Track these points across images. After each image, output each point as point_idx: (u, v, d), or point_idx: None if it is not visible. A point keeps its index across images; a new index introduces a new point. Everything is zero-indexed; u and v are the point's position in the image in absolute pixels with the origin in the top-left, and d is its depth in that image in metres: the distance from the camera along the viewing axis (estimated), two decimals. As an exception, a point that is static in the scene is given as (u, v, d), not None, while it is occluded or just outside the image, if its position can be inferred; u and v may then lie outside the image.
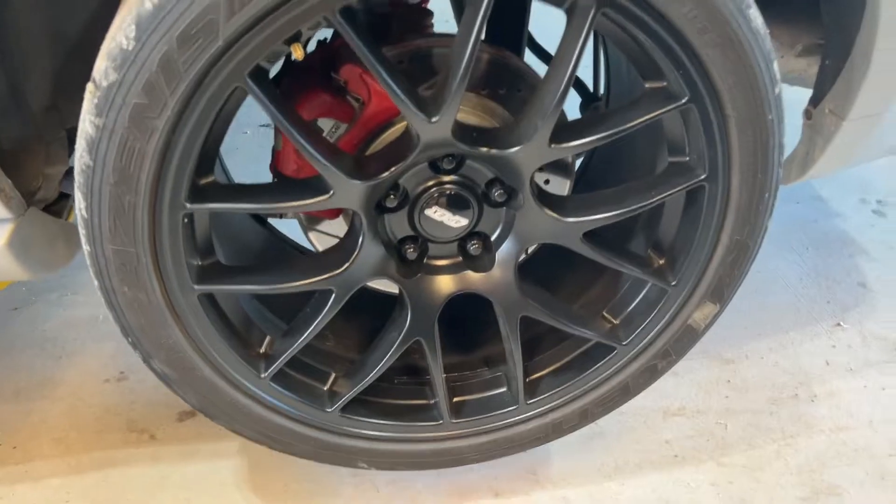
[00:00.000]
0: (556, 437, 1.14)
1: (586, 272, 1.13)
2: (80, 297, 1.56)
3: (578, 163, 1.32)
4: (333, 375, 1.06)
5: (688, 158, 0.93)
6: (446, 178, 0.95)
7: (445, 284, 1.02)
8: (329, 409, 1.03)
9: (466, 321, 1.15)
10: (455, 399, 1.09)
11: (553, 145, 0.88)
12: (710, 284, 1.01)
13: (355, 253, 0.94)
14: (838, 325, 1.58)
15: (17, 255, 0.94)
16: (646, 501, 1.20)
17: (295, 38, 0.77)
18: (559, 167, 1.04)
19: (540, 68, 1.02)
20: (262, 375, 0.98)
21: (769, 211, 0.97)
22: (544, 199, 0.96)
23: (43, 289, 1.58)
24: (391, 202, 0.94)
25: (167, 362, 0.93)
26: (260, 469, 1.23)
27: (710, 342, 1.35)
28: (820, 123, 1.05)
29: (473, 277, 1.02)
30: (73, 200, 1.13)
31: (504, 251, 1.00)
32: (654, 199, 0.94)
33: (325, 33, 1.00)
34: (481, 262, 1.01)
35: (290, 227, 1.20)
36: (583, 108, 1.46)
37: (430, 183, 0.95)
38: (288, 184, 0.96)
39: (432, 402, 1.08)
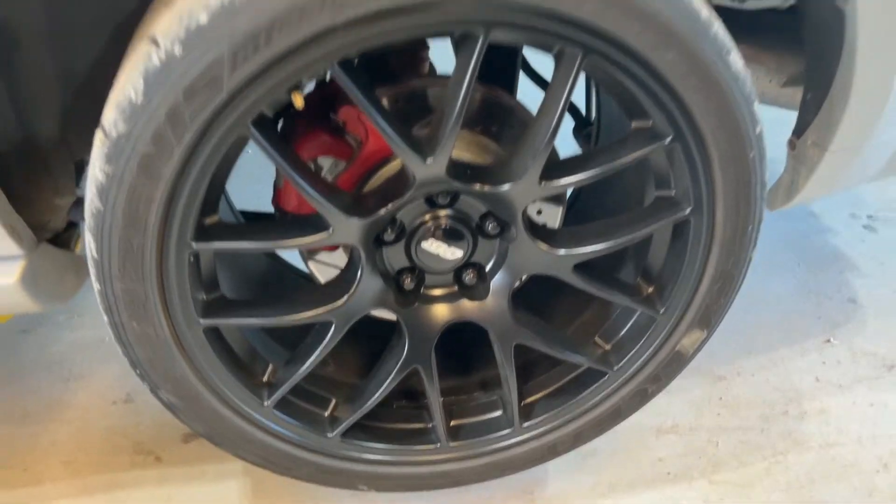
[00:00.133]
0: (551, 457, 1.18)
1: (578, 297, 1.16)
2: (86, 320, 1.60)
3: (569, 191, 1.36)
4: (334, 401, 1.09)
5: (674, 193, 0.96)
6: (442, 212, 0.98)
7: (442, 313, 1.06)
8: (330, 435, 1.06)
9: (463, 345, 1.19)
10: (452, 422, 1.13)
11: (544, 183, 0.91)
12: (697, 312, 1.05)
13: (354, 285, 0.97)
14: (828, 341, 1.61)
15: (30, 290, 0.98)
16: (639, 519, 1.24)
17: (296, 87, 0.81)
18: (551, 196, 1.07)
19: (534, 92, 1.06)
20: (266, 403, 1.02)
21: (753, 242, 1.00)
22: (536, 231, 0.99)
23: (50, 312, 1.61)
24: (389, 236, 0.98)
25: (174, 393, 0.97)
26: (263, 489, 1.26)
27: (703, 359, 1.37)
28: (803, 154, 1.08)
29: (469, 306, 1.06)
30: (81, 230, 1.18)
31: (498, 281, 1.04)
32: (642, 233, 0.98)
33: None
34: (476, 291, 1.04)
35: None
36: (576, 132, 1.50)
37: (426, 217, 0.98)
38: (289, 222, 1.00)
39: (430, 425, 1.11)
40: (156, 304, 0.88)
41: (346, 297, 0.97)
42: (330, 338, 0.98)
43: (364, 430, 1.10)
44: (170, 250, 0.85)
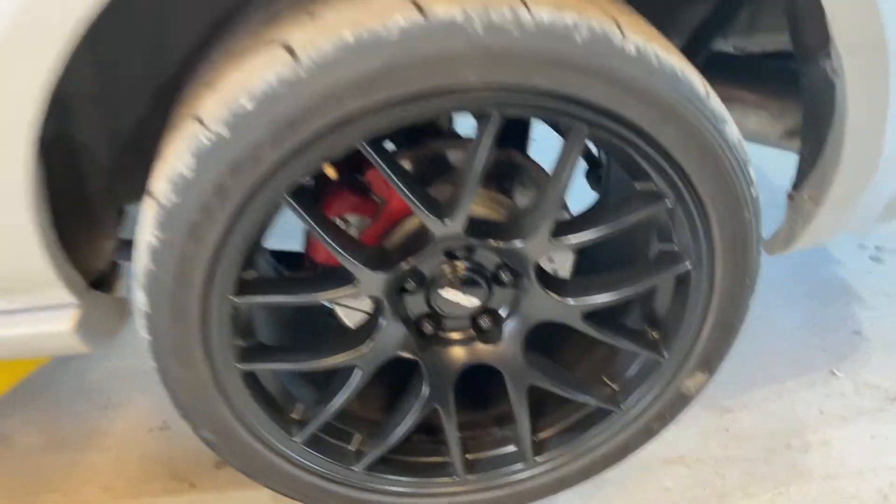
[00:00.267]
0: (562, 489, 1.25)
1: (587, 338, 1.23)
2: (124, 350, 1.68)
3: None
4: (359, 436, 1.17)
5: (676, 248, 1.03)
6: (459, 264, 1.06)
7: (459, 356, 1.13)
8: (355, 468, 1.14)
9: (479, 381, 1.26)
10: (468, 456, 1.20)
11: (553, 240, 0.99)
12: (699, 356, 1.12)
13: (378, 333, 1.05)
14: (833, 373, 1.67)
15: (82, 335, 1.07)
16: (646, 549, 1.30)
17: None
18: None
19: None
20: (296, 439, 1.10)
21: (751, 292, 1.07)
22: (548, 282, 1.07)
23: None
24: (410, 285, 1.06)
25: (213, 431, 1.05)
26: (291, 516, 1.34)
27: (711, 391, 1.42)
28: (800, 207, 1.15)
29: (484, 349, 1.13)
30: (122, 270, 1.27)
31: (512, 326, 1.12)
32: (647, 285, 1.05)
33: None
34: (491, 335, 1.12)
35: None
36: (588, 174, 1.58)
37: (445, 267, 1.06)
38: (319, 277, 1.08)
39: (448, 459, 1.19)
40: (199, 352, 0.97)
41: (370, 344, 1.05)
42: (357, 381, 1.07)
43: (387, 462, 1.17)
44: (213, 304, 0.94)
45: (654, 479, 1.42)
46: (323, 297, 1.00)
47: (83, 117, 1.12)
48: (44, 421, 1.53)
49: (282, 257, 1.27)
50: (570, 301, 1.06)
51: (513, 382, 1.13)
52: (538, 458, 1.19)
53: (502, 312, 1.12)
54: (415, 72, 0.81)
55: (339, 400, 1.07)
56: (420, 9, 0.80)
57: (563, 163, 0.93)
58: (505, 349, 1.12)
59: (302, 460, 1.12)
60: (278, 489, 1.15)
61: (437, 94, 0.83)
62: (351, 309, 1.16)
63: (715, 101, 0.91)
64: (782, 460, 1.46)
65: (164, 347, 0.96)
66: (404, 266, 1.01)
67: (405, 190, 0.91)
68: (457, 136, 1.10)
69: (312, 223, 0.92)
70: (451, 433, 1.15)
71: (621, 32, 0.84)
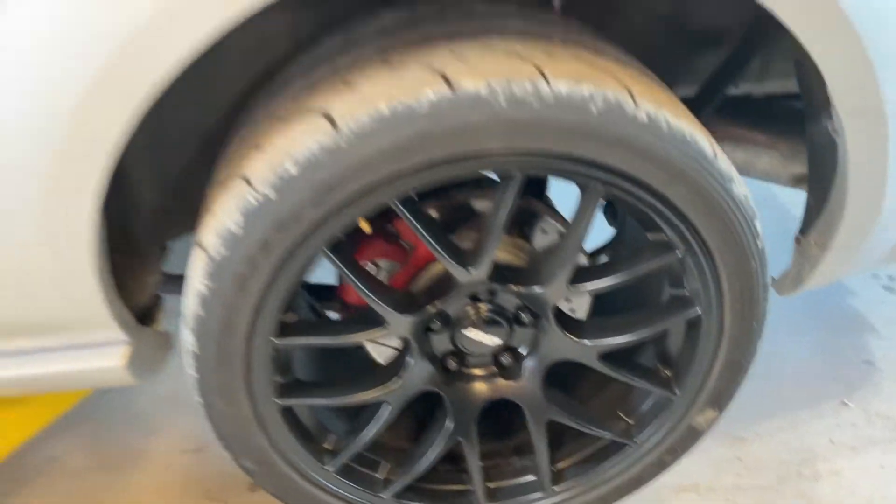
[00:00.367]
0: (579, 517, 1.31)
1: (603, 374, 1.30)
2: (163, 376, 1.76)
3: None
4: (387, 465, 1.24)
5: (687, 293, 1.10)
6: (482, 306, 1.13)
7: (481, 391, 1.20)
8: (384, 496, 1.21)
9: (500, 412, 1.33)
10: (490, 485, 1.27)
11: (571, 286, 1.06)
12: (710, 394, 1.18)
13: (405, 370, 1.13)
14: (844, 403, 1.71)
15: (132, 370, 1.15)
16: (659, 575, 1.36)
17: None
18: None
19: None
20: (328, 468, 1.17)
21: (759, 335, 1.13)
22: (565, 323, 1.14)
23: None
24: (436, 325, 1.13)
25: (252, 461, 1.13)
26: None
27: (724, 420, 1.49)
28: (807, 251, 1.21)
29: (505, 385, 1.20)
30: (163, 301, 1.35)
31: (531, 364, 1.18)
32: (659, 328, 1.12)
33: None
34: (512, 372, 1.19)
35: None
36: (606, 210, 1.64)
37: (469, 309, 1.13)
38: (353, 320, 1.16)
39: (470, 487, 1.25)
40: (241, 389, 1.05)
41: (398, 381, 1.12)
42: (386, 415, 1.14)
43: (413, 490, 1.24)
44: (255, 346, 1.01)
45: (668, 506, 1.47)
46: (357, 339, 1.08)
47: (134, 164, 1.21)
48: (90, 443, 1.62)
49: (315, 290, 1.35)
50: (587, 342, 1.13)
51: (532, 416, 1.20)
52: (556, 488, 1.26)
53: (522, 351, 1.19)
54: (443, 140, 0.88)
55: (370, 432, 1.14)
56: (449, 83, 0.88)
57: (580, 217, 1.00)
58: (525, 385, 1.19)
59: (333, 488, 1.19)
60: (311, 514, 1.23)
61: (464, 160, 0.90)
62: (381, 346, 1.24)
63: (722, 162, 0.98)
64: (793, 489, 1.51)
65: (210, 385, 1.04)
66: (431, 309, 1.08)
67: (433, 243, 0.99)
68: (480, 185, 1.17)
69: (348, 273, 1.00)
70: (474, 463, 1.22)
71: (634, 101, 0.91)
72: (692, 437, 1.22)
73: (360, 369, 1.21)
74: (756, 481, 1.53)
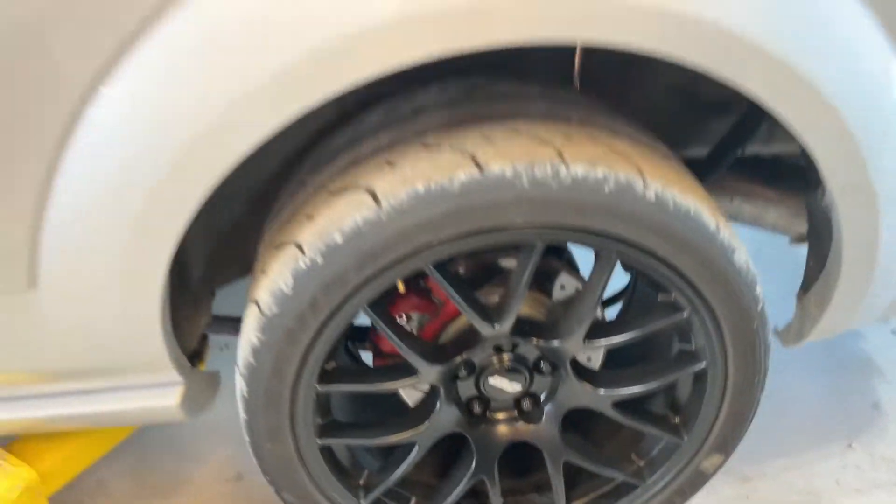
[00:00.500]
0: (593, 552, 1.40)
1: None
2: (203, 406, 1.90)
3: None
4: (415, 499, 1.34)
5: (694, 348, 1.20)
6: (505, 356, 1.24)
7: (503, 433, 1.31)
8: (412, 529, 1.32)
9: (521, 452, 1.43)
10: (511, 520, 1.37)
11: (587, 342, 1.17)
12: (716, 440, 1.27)
13: (434, 413, 1.23)
14: (850, 445, 1.78)
15: (185, 408, 1.27)
16: None
17: (399, 276, 1.09)
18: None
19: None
20: (362, 502, 1.28)
21: (761, 387, 1.22)
22: (581, 373, 1.24)
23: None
24: (462, 373, 1.24)
25: (293, 494, 1.24)
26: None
27: (733, 459, 1.57)
28: (807, 308, 1.30)
29: (525, 429, 1.30)
30: (210, 341, 1.47)
31: (550, 409, 1.29)
32: (669, 379, 1.21)
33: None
34: (532, 416, 1.29)
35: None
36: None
37: (493, 358, 1.24)
38: (387, 368, 1.27)
39: (492, 523, 1.35)
40: (286, 430, 1.16)
41: (427, 424, 1.23)
42: (416, 453, 1.25)
43: (438, 523, 1.35)
44: (300, 392, 1.13)
45: (678, 543, 1.55)
46: (392, 387, 1.19)
47: (193, 219, 1.33)
48: (135, 470, 1.73)
49: (349, 332, 1.46)
50: (602, 391, 1.23)
51: (550, 458, 1.29)
52: (573, 525, 1.35)
53: (542, 397, 1.29)
54: (472, 215, 1.00)
55: (401, 470, 1.25)
56: (478, 165, 0.99)
57: (596, 281, 1.11)
58: (544, 429, 1.29)
59: (367, 520, 1.30)
60: (345, 544, 1.33)
61: (490, 232, 1.02)
62: (410, 389, 1.35)
63: (724, 234, 1.08)
64: (798, 529, 1.59)
65: (258, 425, 1.16)
66: (458, 359, 1.19)
67: (462, 302, 1.10)
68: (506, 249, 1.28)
69: (386, 328, 1.11)
70: (496, 499, 1.31)
71: (644, 182, 1.02)
72: (700, 479, 1.31)
73: (391, 410, 1.32)
74: (763, 521, 1.60)
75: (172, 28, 0.86)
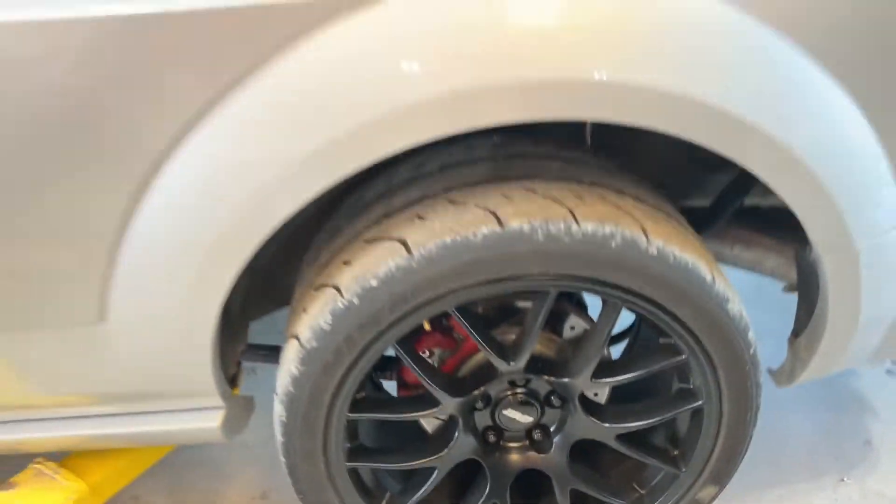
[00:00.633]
0: (597, 574, 1.50)
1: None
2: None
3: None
4: (432, 521, 1.46)
5: (692, 387, 1.31)
6: (519, 389, 1.36)
7: (516, 461, 1.42)
8: (429, 549, 1.43)
9: (530, 478, 1.54)
10: (521, 542, 1.48)
11: (594, 379, 1.28)
12: (711, 472, 1.38)
13: (453, 441, 1.35)
14: (842, 479, 1.87)
15: (225, 430, 1.39)
16: None
17: (425, 316, 1.21)
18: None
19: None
20: (384, 522, 1.39)
21: (753, 423, 1.34)
22: (588, 408, 1.35)
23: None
24: (479, 405, 1.36)
25: (322, 512, 1.36)
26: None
27: (728, 490, 1.68)
28: (798, 351, 1.41)
29: (536, 457, 1.41)
30: (243, 367, 1.59)
31: (559, 440, 1.40)
32: (669, 415, 1.33)
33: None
34: (542, 446, 1.40)
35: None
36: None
37: (507, 392, 1.36)
38: (412, 399, 1.39)
39: (503, 543, 1.46)
40: (319, 453, 1.28)
41: (446, 450, 1.35)
42: (435, 477, 1.36)
43: (453, 543, 1.46)
44: (333, 418, 1.25)
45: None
46: (416, 416, 1.31)
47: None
48: (168, 486, 1.85)
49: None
50: (607, 425, 1.34)
51: (558, 485, 1.41)
52: (579, 548, 1.46)
53: (552, 428, 1.40)
54: (493, 265, 1.12)
55: (421, 492, 1.36)
56: (499, 221, 1.12)
57: (603, 325, 1.23)
58: (553, 458, 1.40)
59: (388, 539, 1.41)
60: (367, 560, 1.44)
61: (509, 280, 1.14)
62: (431, 419, 1.46)
63: (720, 285, 1.20)
64: (791, 559, 1.68)
65: (294, 448, 1.28)
66: (476, 393, 1.31)
67: (482, 341, 1.23)
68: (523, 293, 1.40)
69: (413, 364, 1.24)
70: (507, 523, 1.43)
71: (647, 238, 1.14)
72: (696, 508, 1.42)
73: (410, 436, 1.43)
74: (758, 550, 1.70)
75: (239, 105, 1.00)
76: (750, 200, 1.74)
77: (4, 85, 0.99)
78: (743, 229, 1.74)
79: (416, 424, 1.42)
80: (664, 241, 1.16)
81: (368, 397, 1.31)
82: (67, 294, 1.12)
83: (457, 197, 1.18)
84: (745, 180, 1.61)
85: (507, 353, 1.26)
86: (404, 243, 1.14)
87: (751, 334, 1.25)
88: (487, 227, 1.12)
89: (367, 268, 1.15)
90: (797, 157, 1.10)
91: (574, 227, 1.12)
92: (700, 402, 1.30)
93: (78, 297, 1.13)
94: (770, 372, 1.53)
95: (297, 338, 1.22)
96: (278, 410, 1.27)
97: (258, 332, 1.62)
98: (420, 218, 1.17)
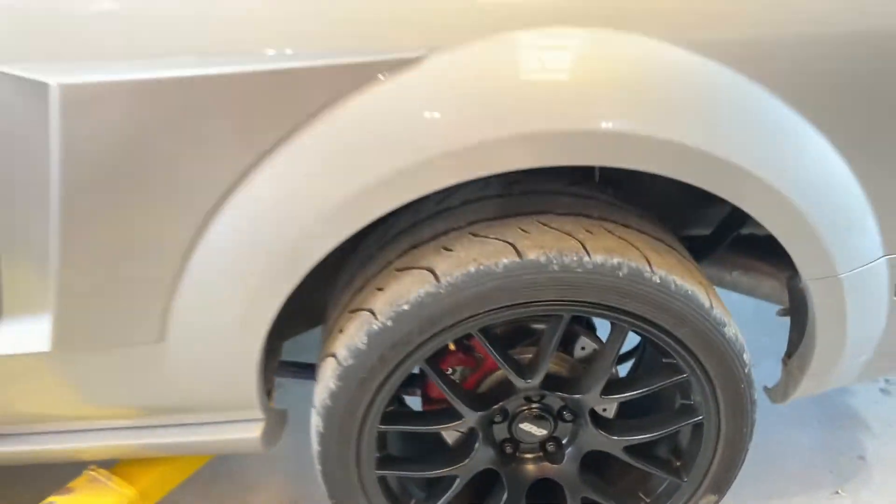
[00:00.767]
0: (606, 579, 1.62)
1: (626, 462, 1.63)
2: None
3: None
4: (452, 526, 1.57)
5: (693, 403, 1.44)
6: (534, 405, 1.48)
7: (531, 471, 1.54)
8: (451, 557, 1.55)
9: (544, 487, 1.66)
10: (536, 553, 1.59)
11: (603, 396, 1.41)
12: (711, 481, 1.50)
13: (473, 452, 1.47)
14: (837, 493, 1.98)
15: (263, 441, 1.51)
16: None
17: (450, 337, 1.34)
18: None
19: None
20: (409, 528, 1.51)
21: (750, 436, 1.46)
22: (598, 422, 1.48)
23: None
24: (497, 418, 1.49)
25: (354, 517, 1.48)
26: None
27: (731, 501, 1.79)
28: (790, 372, 1.54)
29: (549, 467, 1.54)
30: (276, 383, 1.72)
31: (571, 451, 1.52)
32: (672, 429, 1.45)
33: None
34: (555, 457, 1.53)
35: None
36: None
37: (523, 407, 1.48)
38: (438, 412, 1.51)
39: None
40: (352, 461, 1.40)
41: (467, 460, 1.47)
42: (457, 485, 1.48)
43: (471, 547, 1.57)
44: (366, 429, 1.37)
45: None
46: (442, 428, 1.44)
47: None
48: (201, 495, 1.97)
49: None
50: (615, 437, 1.47)
51: (570, 493, 1.53)
52: (590, 556, 1.58)
53: (564, 441, 1.53)
54: (512, 292, 1.25)
55: (444, 499, 1.49)
56: (518, 253, 1.25)
57: (611, 347, 1.36)
58: (565, 468, 1.52)
59: (413, 546, 1.53)
60: (393, 562, 1.56)
61: (526, 305, 1.27)
62: (453, 431, 1.59)
63: (717, 310, 1.32)
64: (788, 567, 1.79)
65: (330, 456, 1.40)
66: (495, 408, 1.44)
67: (501, 361, 1.35)
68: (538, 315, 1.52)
69: (439, 381, 1.36)
70: (523, 532, 1.55)
71: (650, 268, 1.27)
72: (698, 516, 1.54)
73: (432, 446, 1.56)
74: (755, 558, 1.81)
75: (291, 151, 1.14)
76: (747, 230, 1.87)
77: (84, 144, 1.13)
78: (741, 256, 1.86)
79: (436, 436, 1.55)
80: (666, 270, 1.29)
81: (397, 410, 1.44)
82: (135, 316, 1.25)
83: (478, 230, 1.31)
84: (741, 212, 1.75)
85: (523, 371, 1.39)
86: (433, 272, 1.27)
87: (746, 355, 1.37)
88: (507, 258, 1.25)
89: (399, 294, 1.28)
90: (783, 196, 1.23)
91: (585, 258, 1.25)
92: (700, 417, 1.43)
93: (143, 319, 1.26)
94: (766, 389, 1.65)
95: (334, 356, 1.35)
96: (316, 422, 1.39)
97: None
98: (446, 249, 1.30)
